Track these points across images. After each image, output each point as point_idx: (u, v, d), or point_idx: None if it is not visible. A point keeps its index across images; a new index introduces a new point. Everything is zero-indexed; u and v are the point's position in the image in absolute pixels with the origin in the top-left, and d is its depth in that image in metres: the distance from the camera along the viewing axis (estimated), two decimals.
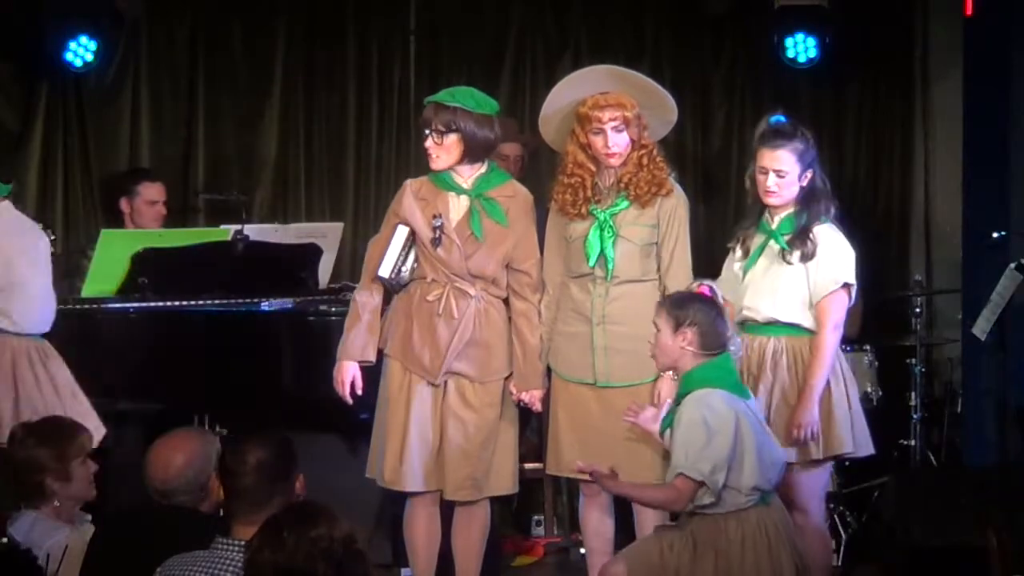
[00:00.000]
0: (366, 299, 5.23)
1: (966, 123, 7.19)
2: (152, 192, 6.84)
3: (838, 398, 5.03)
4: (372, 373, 5.23)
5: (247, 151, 7.60)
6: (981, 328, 6.41)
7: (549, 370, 5.25)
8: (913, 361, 6.96)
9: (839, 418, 5.01)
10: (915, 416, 6.91)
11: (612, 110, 5.10)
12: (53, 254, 6.53)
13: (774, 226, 5.08)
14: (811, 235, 5.03)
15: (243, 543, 3.45)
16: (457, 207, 5.18)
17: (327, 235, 6.69)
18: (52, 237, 6.42)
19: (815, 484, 5.08)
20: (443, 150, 5.14)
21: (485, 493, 5.20)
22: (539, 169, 6.55)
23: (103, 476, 4.93)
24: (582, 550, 5.64)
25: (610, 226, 5.12)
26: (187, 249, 6.22)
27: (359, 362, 5.19)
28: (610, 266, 5.12)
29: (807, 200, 5.06)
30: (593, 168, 5.19)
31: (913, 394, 6.92)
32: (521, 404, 5.24)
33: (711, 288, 4.67)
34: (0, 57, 7.19)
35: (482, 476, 5.16)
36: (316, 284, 6.50)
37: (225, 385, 5.86)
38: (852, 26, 7.57)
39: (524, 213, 5.21)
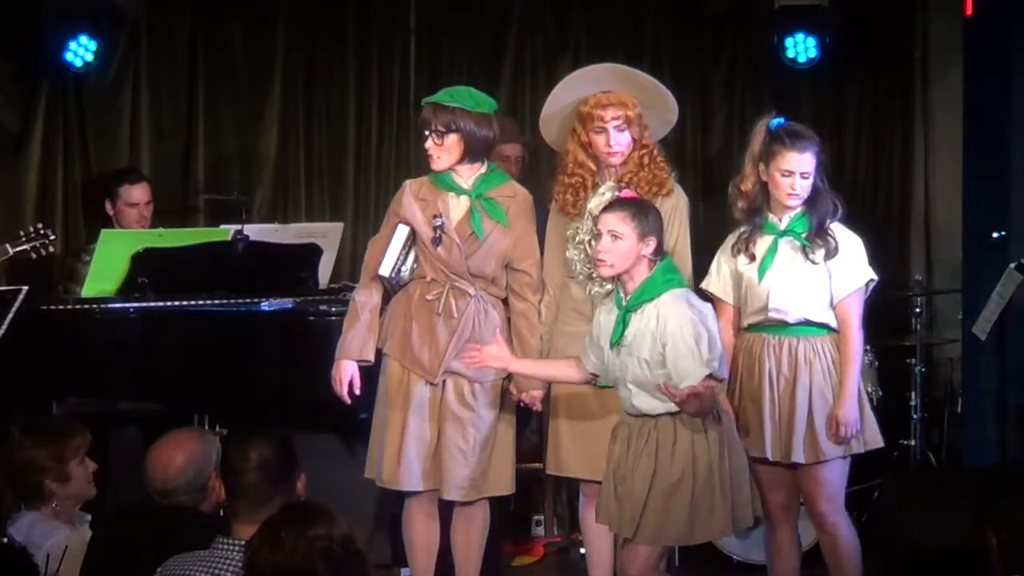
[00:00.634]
0: (365, 299, 5.23)
1: (966, 123, 7.17)
2: (134, 194, 6.73)
3: (863, 394, 5.10)
4: (371, 373, 5.23)
5: (247, 151, 7.58)
6: (981, 328, 6.41)
7: None
8: (913, 361, 6.97)
9: (869, 414, 5.09)
10: (915, 416, 6.92)
11: (615, 109, 5.10)
12: (53, 254, 6.56)
13: (784, 226, 5.06)
14: (830, 232, 5.04)
15: (244, 543, 3.45)
16: (457, 207, 5.18)
17: (327, 235, 6.68)
18: (52, 237, 6.45)
19: (843, 478, 5.14)
20: (444, 150, 5.13)
21: (483, 493, 5.20)
22: (539, 169, 6.54)
23: (103, 476, 4.94)
24: (582, 550, 5.63)
25: None
26: (187, 249, 6.20)
27: (358, 361, 5.18)
28: None
29: (814, 198, 5.06)
30: (594, 167, 5.18)
31: (913, 394, 6.93)
32: (521, 405, 5.24)
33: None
34: (0, 57, 7.18)
35: (480, 476, 5.15)
36: (316, 284, 6.49)
37: (225, 385, 5.85)
38: (852, 26, 7.58)
39: (524, 213, 5.21)
